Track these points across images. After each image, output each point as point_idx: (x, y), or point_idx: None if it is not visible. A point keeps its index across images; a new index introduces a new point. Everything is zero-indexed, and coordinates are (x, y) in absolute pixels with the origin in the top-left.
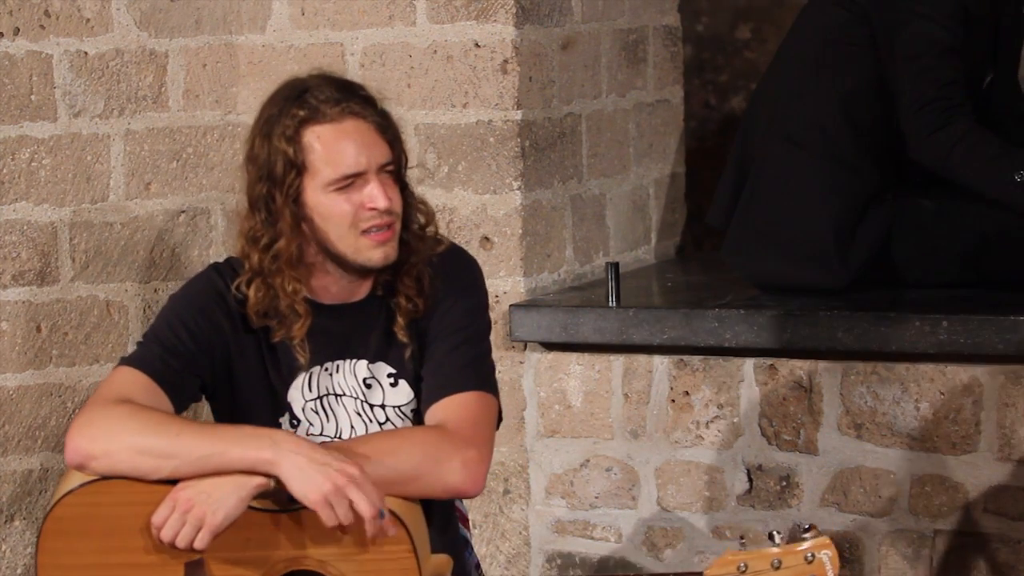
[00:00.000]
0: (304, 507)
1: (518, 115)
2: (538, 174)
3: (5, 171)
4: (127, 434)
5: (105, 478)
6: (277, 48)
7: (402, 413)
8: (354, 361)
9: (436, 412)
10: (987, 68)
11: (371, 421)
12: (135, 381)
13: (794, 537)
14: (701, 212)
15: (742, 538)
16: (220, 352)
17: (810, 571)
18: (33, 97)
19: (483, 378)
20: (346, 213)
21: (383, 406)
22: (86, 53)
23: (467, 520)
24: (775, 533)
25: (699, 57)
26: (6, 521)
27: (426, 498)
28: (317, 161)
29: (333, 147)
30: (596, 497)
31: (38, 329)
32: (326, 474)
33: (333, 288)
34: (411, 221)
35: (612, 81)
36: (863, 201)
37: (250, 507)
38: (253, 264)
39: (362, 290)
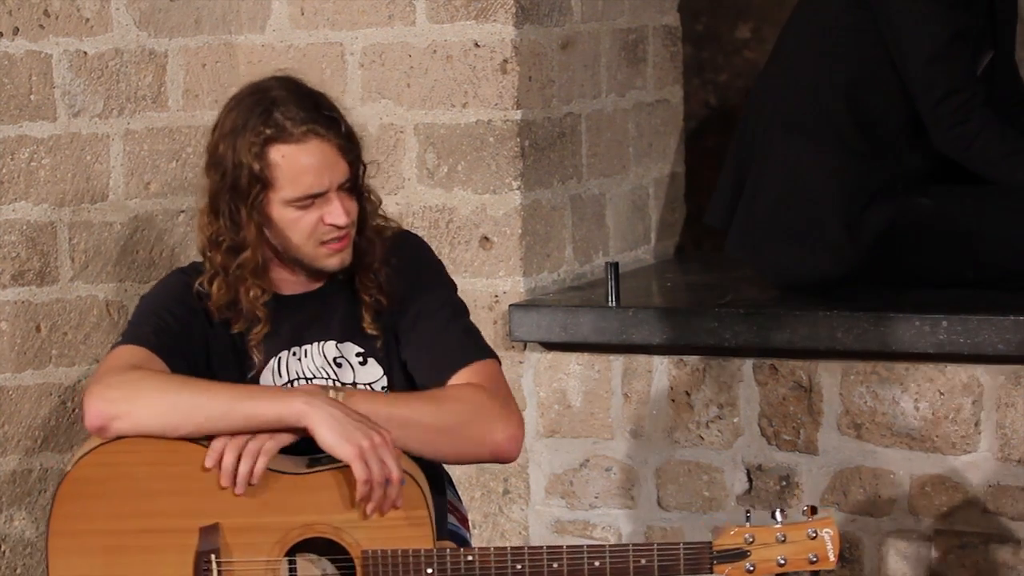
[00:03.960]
0: (322, 471)
1: (518, 115)
2: (538, 174)
3: (5, 171)
4: (151, 392)
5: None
6: (277, 48)
7: (373, 391)
8: (322, 343)
9: (458, 382)
10: (986, 47)
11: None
12: (137, 353)
13: (796, 517)
14: (701, 212)
15: (748, 511)
16: (199, 336)
17: (812, 547)
18: (32, 97)
19: (487, 348)
20: (307, 226)
21: (354, 384)
22: (85, 53)
23: (467, 520)
24: (778, 511)
25: (699, 57)
26: (6, 521)
27: (469, 456)
28: (281, 178)
29: (296, 167)
30: (596, 497)
31: (38, 329)
32: (363, 431)
33: (293, 279)
34: (366, 225)
35: (612, 81)
36: (870, 187)
37: (269, 469)
38: (216, 264)
39: (322, 277)
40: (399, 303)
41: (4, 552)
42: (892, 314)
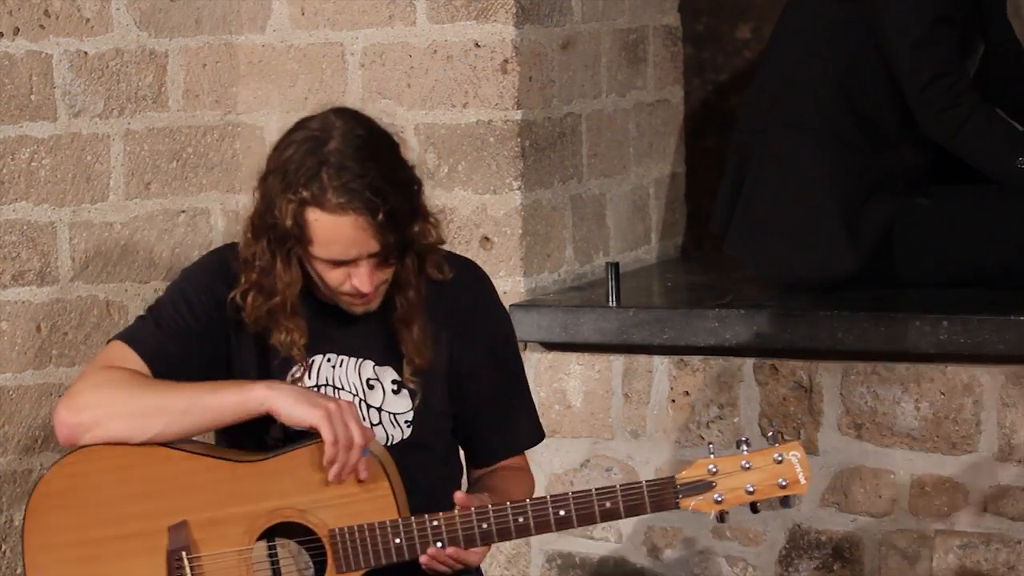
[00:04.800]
0: (280, 455)
1: (518, 115)
2: (538, 174)
3: (5, 171)
4: (115, 400)
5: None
6: (277, 48)
7: (396, 421)
8: (360, 360)
9: (518, 461)
10: (978, 40)
11: (363, 418)
12: (125, 357)
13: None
14: (701, 212)
15: (710, 444)
16: (220, 331)
17: (780, 472)
18: (33, 97)
19: (540, 423)
20: (334, 279)
21: (380, 409)
22: (86, 53)
23: None
24: (743, 440)
25: (699, 57)
26: (6, 521)
27: None
28: (313, 238)
29: (327, 235)
30: None
31: (38, 329)
32: (326, 398)
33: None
34: (408, 285)
35: (612, 81)
36: (869, 182)
37: (230, 459)
38: (251, 280)
39: None
40: (469, 335)
41: (4, 552)
42: (892, 314)
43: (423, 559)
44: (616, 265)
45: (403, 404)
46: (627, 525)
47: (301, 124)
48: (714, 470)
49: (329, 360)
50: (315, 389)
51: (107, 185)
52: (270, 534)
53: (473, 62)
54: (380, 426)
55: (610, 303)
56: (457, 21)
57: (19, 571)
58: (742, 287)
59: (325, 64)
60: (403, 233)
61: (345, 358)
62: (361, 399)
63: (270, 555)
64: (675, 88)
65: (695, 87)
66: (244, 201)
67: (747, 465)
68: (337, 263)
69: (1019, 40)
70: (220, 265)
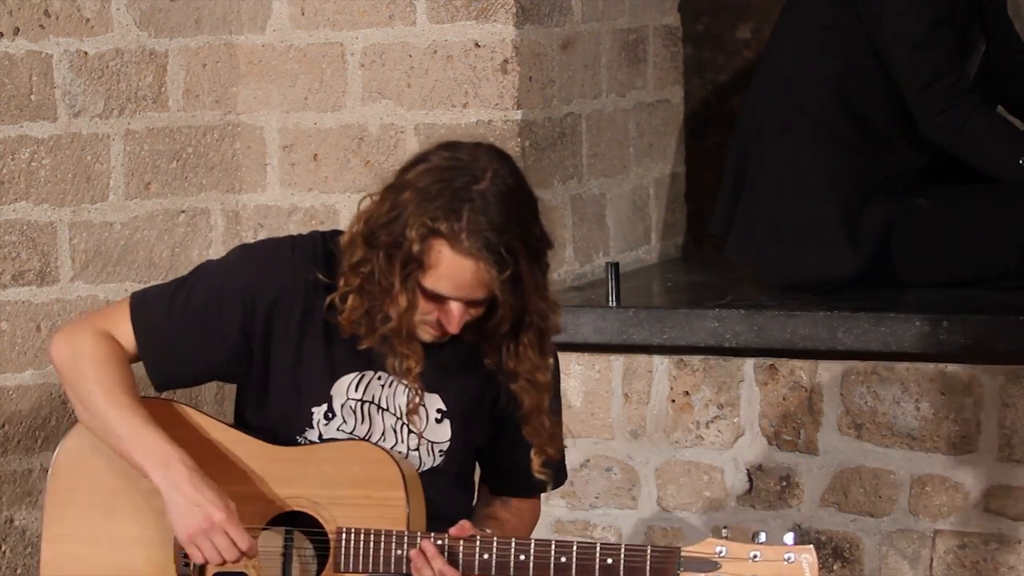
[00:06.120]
0: (318, 443)
1: (518, 115)
2: (538, 174)
3: (5, 171)
4: (82, 372)
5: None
6: (277, 48)
7: (432, 450)
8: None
9: (535, 505)
10: (978, 39)
11: (402, 442)
12: (122, 328)
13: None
14: (701, 212)
15: (725, 527)
16: (259, 330)
17: (788, 571)
18: (33, 97)
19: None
20: (423, 307)
21: (419, 436)
22: (86, 53)
23: None
24: (762, 533)
25: (699, 57)
26: (6, 521)
27: None
28: (429, 266)
29: (443, 270)
30: (596, 497)
31: (38, 329)
32: (198, 513)
33: None
34: (536, 369)
35: (612, 81)
36: (868, 184)
37: (266, 440)
38: (351, 283)
39: None
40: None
41: (4, 552)
42: (892, 314)
43: (413, 552)
44: (616, 265)
45: (442, 434)
46: (627, 525)
47: (449, 147)
48: (722, 553)
49: (380, 378)
50: (361, 404)
51: (107, 185)
52: (283, 520)
53: (473, 62)
54: (416, 452)
55: (610, 303)
56: (457, 21)
57: (19, 571)
58: (742, 287)
59: (325, 64)
60: (519, 298)
61: (396, 380)
62: (404, 423)
63: (286, 542)
64: (675, 88)
65: (695, 87)
66: (244, 201)
67: (756, 556)
68: (437, 296)
69: (1020, 36)
70: (300, 258)
